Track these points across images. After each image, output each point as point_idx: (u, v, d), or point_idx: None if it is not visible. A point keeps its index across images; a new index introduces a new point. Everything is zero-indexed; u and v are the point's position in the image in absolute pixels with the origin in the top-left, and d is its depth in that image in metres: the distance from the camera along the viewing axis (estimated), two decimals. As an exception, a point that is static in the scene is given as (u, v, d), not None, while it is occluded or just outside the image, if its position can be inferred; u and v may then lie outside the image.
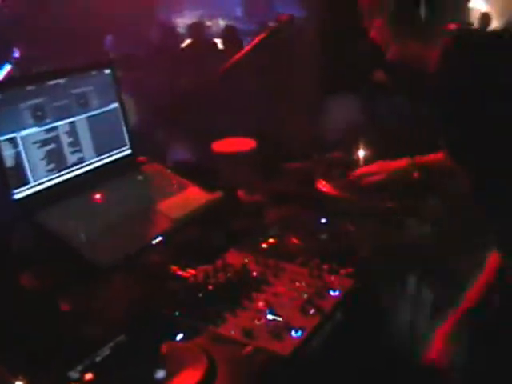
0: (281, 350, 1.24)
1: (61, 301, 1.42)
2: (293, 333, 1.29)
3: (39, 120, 1.54)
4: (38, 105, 1.53)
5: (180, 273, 1.58)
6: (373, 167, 1.99)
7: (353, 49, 2.45)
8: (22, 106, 1.50)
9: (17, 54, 4.82)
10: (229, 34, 6.71)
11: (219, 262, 1.60)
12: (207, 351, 1.23)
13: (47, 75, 1.56)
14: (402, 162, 1.93)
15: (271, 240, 1.73)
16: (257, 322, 1.34)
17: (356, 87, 2.43)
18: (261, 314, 1.37)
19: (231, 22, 9.83)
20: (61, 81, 1.59)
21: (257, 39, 1.87)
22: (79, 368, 1.25)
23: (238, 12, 10.29)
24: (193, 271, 1.57)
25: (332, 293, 1.43)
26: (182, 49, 6.44)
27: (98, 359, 1.28)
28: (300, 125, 2.34)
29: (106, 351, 1.30)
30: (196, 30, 6.83)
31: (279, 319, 1.34)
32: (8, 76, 4.19)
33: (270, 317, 1.35)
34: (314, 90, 2.49)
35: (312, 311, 1.36)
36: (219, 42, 7.18)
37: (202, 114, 2.38)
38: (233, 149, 2.13)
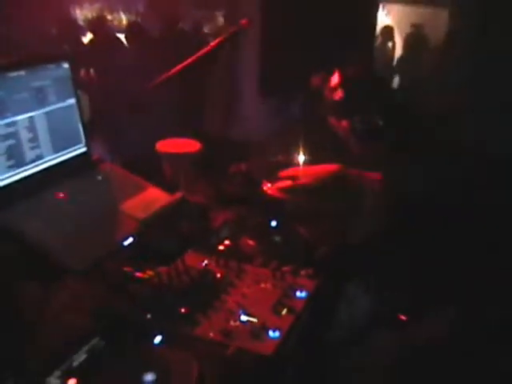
0: (263, 350, 1.28)
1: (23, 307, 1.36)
2: (270, 333, 1.33)
3: (0, 113, 1.46)
4: (-1, 97, 1.46)
5: (139, 275, 1.56)
6: (298, 171, 2.04)
7: (289, 55, 2.54)
8: (-19, 98, 1.42)
9: None
10: (133, 30, 6.57)
11: (179, 264, 1.59)
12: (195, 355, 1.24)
13: (9, 66, 1.48)
14: (331, 167, 1.98)
15: (226, 242, 1.75)
16: (232, 323, 1.36)
17: (293, 93, 2.51)
18: (234, 315, 1.39)
19: (133, 17, 9.62)
20: (21, 73, 1.52)
21: (216, 41, 1.88)
22: (57, 374, 1.21)
23: (140, 7, 10.07)
24: (151, 273, 1.56)
25: (299, 293, 1.49)
26: (85, 44, 6.21)
27: (75, 364, 1.24)
28: (239, 128, 2.38)
29: (82, 355, 1.26)
30: (98, 24, 6.61)
31: (254, 320, 1.37)
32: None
33: (244, 318, 1.38)
34: (251, 95, 2.55)
35: (284, 311, 1.41)
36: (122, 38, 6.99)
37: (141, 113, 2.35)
38: (177, 150, 2.12)
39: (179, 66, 2.09)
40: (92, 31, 6.35)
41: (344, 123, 1.84)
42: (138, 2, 10.45)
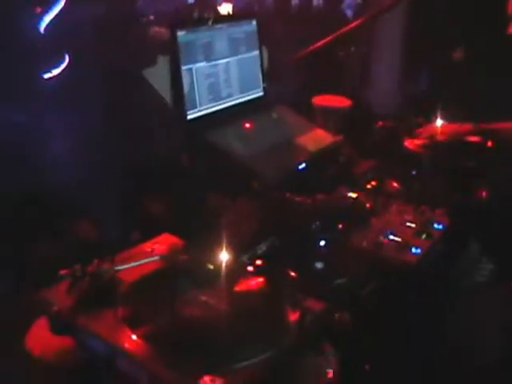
0: (408, 259, 1.57)
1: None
2: (413, 249, 1.61)
3: (207, 56, 1.84)
4: (208, 43, 1.84)
5: (299, 199, 1.89)
6: (436, 129, 2.28)
7: (433, 28, 2.74)
8: (199, 43, 1.80)
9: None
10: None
11: (334, 194, 1.91)
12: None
13: (216, 19, 1.85)
14: (467, 127, 2.21)
15: (373, 182, 2.04)
16: (381, 239, 1.66)
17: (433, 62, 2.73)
18: (383, 233, 1.69)
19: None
20: (224, 25, 1.89)
21: (371, 14, 2.15)
22: (246, 256, 1.57)
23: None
24: (309, 200, 1.88)
25: (436, 225, 1.76)
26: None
27: (259, 252, 1.60)
28: (387, 91, 2.65)
29: (262, 247, 1.62)
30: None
31: (399, 239, 1.66)
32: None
33: (391, 237, 1.68)
34: (400, 61, 2.79)
35: (424, 236, 1.69)
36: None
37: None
38: (331, 104, 2.43)
39: (326, 40, 2.37)
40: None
41: None
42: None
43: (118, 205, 1.68)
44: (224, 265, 1.38)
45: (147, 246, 1.47)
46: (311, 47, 2.43)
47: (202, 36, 1.82)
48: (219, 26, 1.88)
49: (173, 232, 1.58)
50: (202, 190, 1.77)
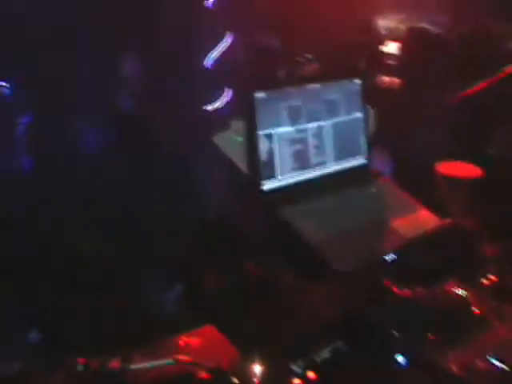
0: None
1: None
2: (521, 386, 1.24)
3: (293, 120, 1.64)
4: (295, 106, 1.63)
5: (396, 290, 1.58)
6: None
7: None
8: (282, 105, 1.60)
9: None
10: (436, 42, 6.47)
11: (438, 289, 1.58)
12: None
13: (307, 79, 1.65)
14: None
15: (492, 277, 1.67)
16: (479, 364, 1.30)
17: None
18: (483, 354, 1.33)
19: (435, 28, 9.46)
20: (317, 86, 1.67)
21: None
22: (300, 363, 1.31)
23: (445, 19, 9.88)
24: (408, 291, 1.57)
25: None
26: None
27: (318, 359, 1.33)
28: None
29: (325, 354, 1.34)
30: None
31: (505, 367, 1.29)
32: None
33: (494, 361, 1.31)
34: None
35: (544, 368, 1.30)
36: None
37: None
38: (457, 173, 2.08)
39: (484, 84, 2.04)
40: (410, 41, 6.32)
41: None
42: (439, 14, 10.24)
43: (170, 279, 1.53)
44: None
45: (182, 339, 1.28)
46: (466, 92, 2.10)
47: (286, 97, 1.62)
48: (311, 86, 1.66)
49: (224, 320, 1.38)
50: (270, 272, 1.55)
